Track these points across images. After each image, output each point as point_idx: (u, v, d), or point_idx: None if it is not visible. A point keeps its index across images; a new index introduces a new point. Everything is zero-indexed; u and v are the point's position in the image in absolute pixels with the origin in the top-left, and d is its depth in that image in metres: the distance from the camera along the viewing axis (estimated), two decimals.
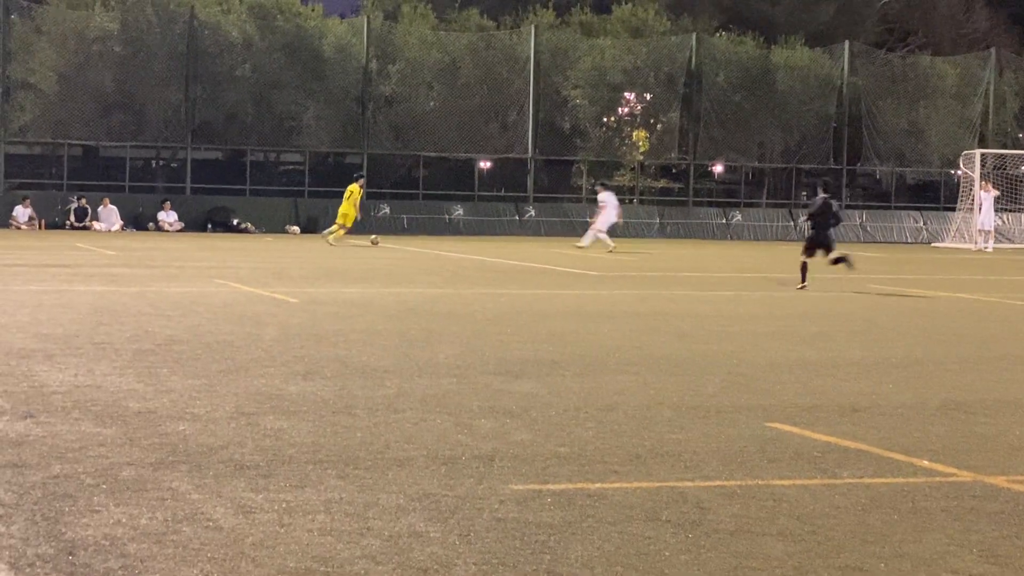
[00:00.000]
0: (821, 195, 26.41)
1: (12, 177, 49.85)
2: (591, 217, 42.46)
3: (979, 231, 47.62)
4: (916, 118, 57.95)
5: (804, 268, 25.50)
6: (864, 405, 11.62)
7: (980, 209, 47.65)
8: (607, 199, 40.49)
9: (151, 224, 46.66)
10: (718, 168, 60.73)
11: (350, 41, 53.04)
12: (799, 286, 25.19)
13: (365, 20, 54.01)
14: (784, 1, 64.54)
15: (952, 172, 54.51)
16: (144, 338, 14.99)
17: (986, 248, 46.79)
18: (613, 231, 40.03)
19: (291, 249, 37.19)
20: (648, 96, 56.12)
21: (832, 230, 25.90)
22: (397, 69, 53.28)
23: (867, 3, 67.62)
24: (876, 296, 25.09)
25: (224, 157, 55.84)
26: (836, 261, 25.72)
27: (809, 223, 26.47)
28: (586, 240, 40.23)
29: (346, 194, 39.64)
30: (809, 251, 25.70)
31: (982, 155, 51.28)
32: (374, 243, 39.76)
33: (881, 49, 61.72)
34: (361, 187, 40.07)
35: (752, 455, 9.32)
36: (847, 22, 64.16)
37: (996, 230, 49.95)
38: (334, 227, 39.75)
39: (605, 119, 56.38)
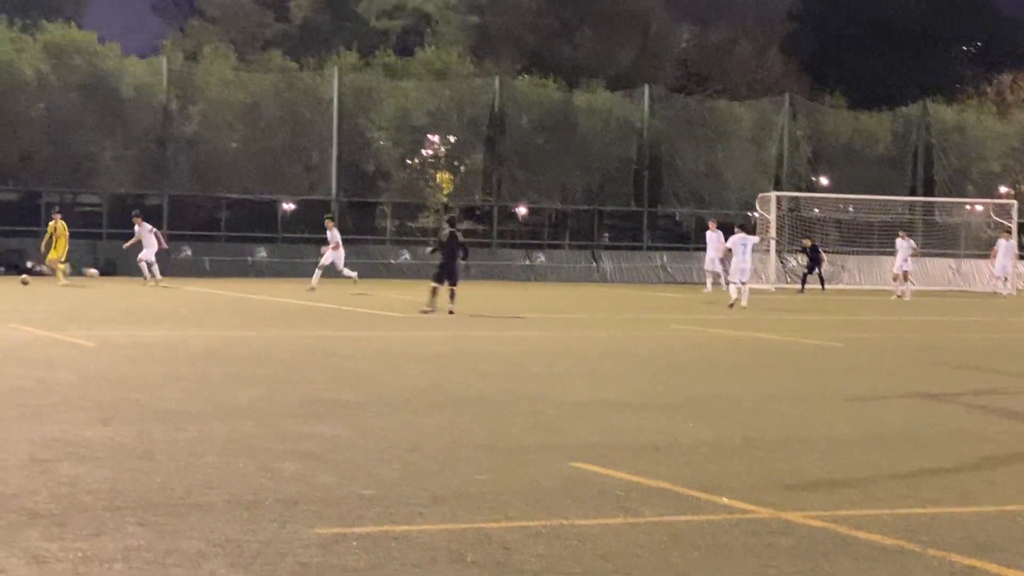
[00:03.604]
0: (447, 229, 29.91)
1: None
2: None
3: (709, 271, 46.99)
4: (714, 161, 59.21)
5: (434, 292, 28.79)
6: (665, 443, 11.77)
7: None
8: (141, 228, 40.97)
9: None
10: (521, 210, 61.26)
11: (149, 81, 52.34)
12: (425, 310, 28.52)
13: (164, 60, 53.35)
14: (585, 45, 65.56)
15: (749, 214, 55.80)
16: None
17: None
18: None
19: (88, 292, 36.41)
20: (452, 138, 56.42)
21: (459, 261, 29.32)
22: (198, 110, 52.74)
23: (666, 48, 69.05)
24: (676, 335, 25.49)
25: (18, 198, 54.54)
26: (453, 296, 28.81)
27: (438, 253, 29.62)
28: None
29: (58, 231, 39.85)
30: (438, 279, 28.95)
31: (777, 197, 52.54)
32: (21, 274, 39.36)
33: (680, 93, 63.02)
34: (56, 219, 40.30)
35: (556, 495, 9.36)
36: (647, 66, 65.43)
37: (792, 271, 51.11)
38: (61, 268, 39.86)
39: (409, 161, 56.52)
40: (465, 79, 57.48)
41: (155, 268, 39.95)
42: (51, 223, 40.08)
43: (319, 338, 22.87)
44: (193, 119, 52.66)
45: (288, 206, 57.58)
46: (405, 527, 8.24)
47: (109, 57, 52.80)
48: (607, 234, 62.62)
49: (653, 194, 58.63)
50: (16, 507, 8.45)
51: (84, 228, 53.79)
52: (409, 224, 58.99)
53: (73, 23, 56.21)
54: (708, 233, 45.79)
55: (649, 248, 58.09)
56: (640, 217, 58.86)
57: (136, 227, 40.85)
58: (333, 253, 39.46)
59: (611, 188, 58.25)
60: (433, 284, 29.11)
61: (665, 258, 56.95)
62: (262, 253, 51.23)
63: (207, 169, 52.76)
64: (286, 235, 55.83)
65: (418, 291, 40.09)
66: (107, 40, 54.51)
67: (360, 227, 58.16)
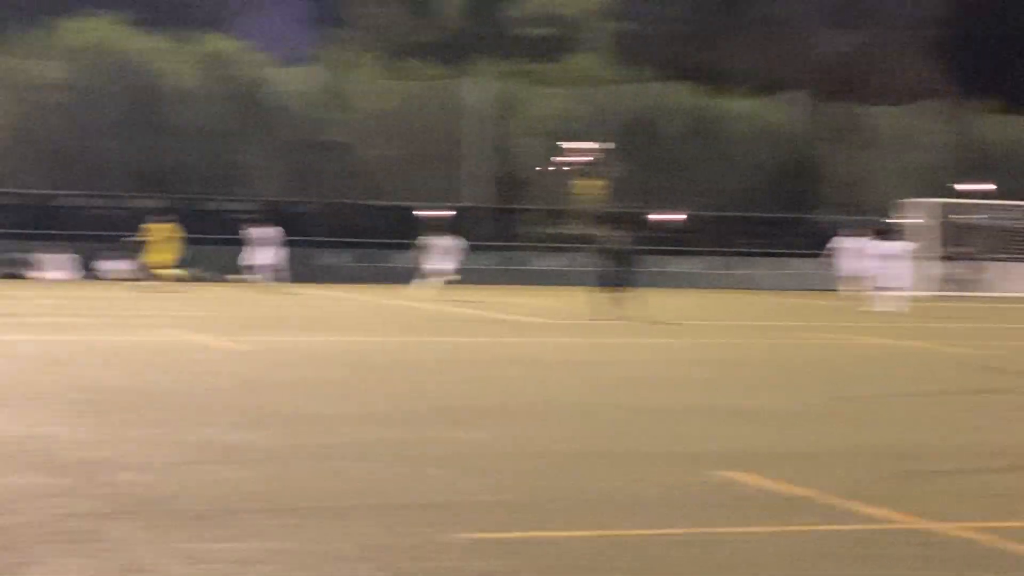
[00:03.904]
0: (615, 233, 30.57)
1: None
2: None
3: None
4: (861, 166, 58.46)
5: (613, 298, 29.05)
6: (811, 451, 11.65)
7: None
8: (256, 233, 40.16)
9: (99, 272, 46.36)
10: (666, 216, 61.03)
11: (301, 90, 53.16)
12: (614, 318, 28.44)
13: (316, 69, 54.13)
14: (731, 50, 65.16)
15: (896, 220, 54.97)
16: (89, 387, 14.88)
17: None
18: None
19: (240, 298, 37.04)
20: (596, 145, 56.42)
21: (626, 266, 29.86)
22: (347, 117, 53.40)
23: (813, 53, 68.32)
24: (822, 343, 25.21)
25: (173, 205, 55.58)
26: (619, 300, 29.17)
27: (607, 260, 30.09)
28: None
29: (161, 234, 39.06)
30: (609, 284, 29.46)
31: (925, 204, 51.67)
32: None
33: (826, 98, 62.31)
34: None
35: (699, 502, 9.32)
36: (796, 71, 64.80)
37: (947, 278, 50.25)
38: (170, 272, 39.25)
39: (553, 168, 56.63)
40: (609, 86, 57.48)
41: (255, 271, 39.64)
42: (151, 227, 39.64)
43: (462, 344, 23.01)
44: (342, 127, 53.32)
45: (434, 213, 57.96)
46: (548, 533, 8.27)
47: (262, 67, 53.73)
48: (752, 240, 62.12)
49: (798, 200, 58.07)
50: (168, 508, 8.64)
51: (236, 235, 54.73)
52: (553, 231, 59.04)
53: (228, 34, 57.30)
54: (847, 239, 45.10)
55: (794, 255, 57.52)
56: (785, 223, 58.32)
57: (250, 231, 40.52)
58: (441, 259, 38.77)
59: (756, 194, 57.82)
60: (608, 291, 29.32)
61: (811, 265, 56.28)
62: (409, 260, 51.65)
63: (355, 176, 53.40)
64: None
65: (563, 298, 40.17)
66: (260, 50, 55.49)
67: (504, 234, 58.40)
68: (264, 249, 40.40)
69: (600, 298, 29.36)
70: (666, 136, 56.39)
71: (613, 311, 29.01)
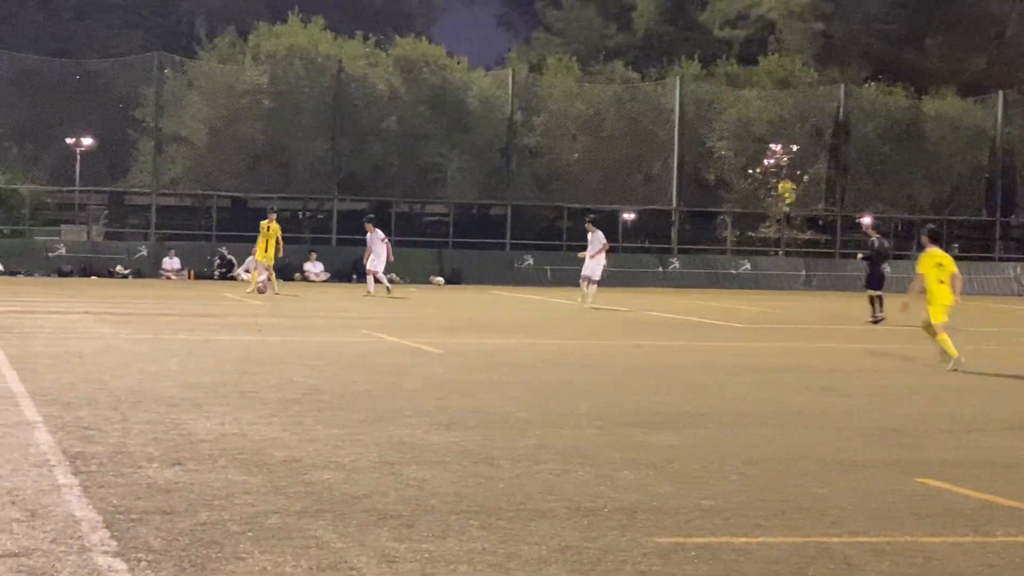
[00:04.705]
0: (875, 238, 31.72)
1: (163, 228, 50.96)
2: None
3: None
4: None
5: (872, 301, 30.50)
6: (1018, 462, 11.32)
7: None
8: (373, 236, 37.98)
9: (297, 274, 47.24)
10: (866, 220, 59.99)
11: (495, 93, 53.47)
12: (872, 319, 29.97)
13: (510, 72, 54.40)
14: (935, 50, 63.82)
15: None
16: (289, 387, 15.14)
17: None
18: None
19: (435, 300, 37.40)
20: (794, 147, 55.71)
21: (883, 268, 31.59)
22: (541, 121, 53.57)
23: (1021, 53, 66.55)
24: None
25: (369, 208, 56.50)
26: (880, 302, 30.54)
27: (866, 263, 31.88)
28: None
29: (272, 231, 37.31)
30: (871, 286, 30.89)
31: None
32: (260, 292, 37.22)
33: None
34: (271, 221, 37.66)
35: (900, 511, 9.11)
36: (1000, 72, 63.23)
37: None
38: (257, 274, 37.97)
39: (750, 170, 56.05)
40: (809, 87, 56.77)
41: (379, 277, 37.92)
42: (264, 222, 37.73)
43: (655, 348, 22.89)
44: (536, 130, 53.51)
45: (629, 216, 57.84)
46: (744, 539, 8.15)
47: (457, 70, 54.18)
48: (956, 244, 60.68)
49: (1007, 203, 56.63)
50: (367, 507, 8.73)
51: (430, 237, 55.36)
52: (750, 234, 58.50)
53: (423, 37, 57.97)
54: None
55: (1002, 259, 56.10)
56: (992, 227, 56.91)
57: (368, 235, 38.38)
58: (595, 259, 36.63)
59: (961, 197, 56.54)
60: (870, 293, 30.68)
61: (1019, 269, 54.87)
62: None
63: (549, 179, 53.54)
64: (626, 244, 56.09)
65: (756, 301, 39.75)
66: (455, 53, 55.98)
67: (700, 237, 58.04)
68: (378, 251, 38.29)
69: (871, 302, 30.49)
70: (867, 138, 55.42)
71: (877, 314, 30.10)
